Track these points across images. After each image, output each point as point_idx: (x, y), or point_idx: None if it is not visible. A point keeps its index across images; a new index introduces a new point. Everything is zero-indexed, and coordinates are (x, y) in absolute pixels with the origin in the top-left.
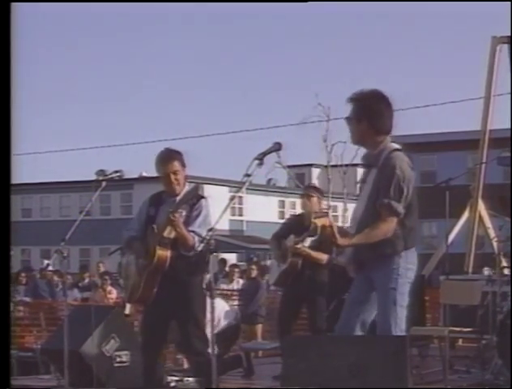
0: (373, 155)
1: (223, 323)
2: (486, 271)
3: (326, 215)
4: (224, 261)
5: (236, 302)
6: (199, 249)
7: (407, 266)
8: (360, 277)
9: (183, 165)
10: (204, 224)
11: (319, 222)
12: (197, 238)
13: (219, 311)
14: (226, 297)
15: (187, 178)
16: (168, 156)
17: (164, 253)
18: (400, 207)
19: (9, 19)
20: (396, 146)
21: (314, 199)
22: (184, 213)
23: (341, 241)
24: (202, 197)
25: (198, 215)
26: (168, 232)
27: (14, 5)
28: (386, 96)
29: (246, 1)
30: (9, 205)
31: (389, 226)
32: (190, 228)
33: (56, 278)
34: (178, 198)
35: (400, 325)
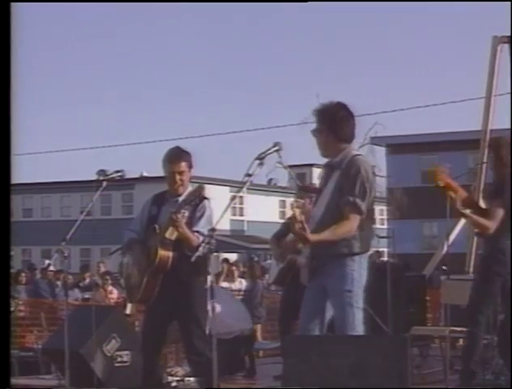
0: (336, 161)
1: (234, 328)
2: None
3: (303, 205)
4: (227, 261)
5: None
6: (204, 249)
7: (361, 271)
8: (312, 286)
9: (190, 166)
10: (208, 225)
11: (297, 211)
12: (201, 238)
13: (231, 313)
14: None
15: (191, 179)
16: (177, 156)
17: (166, 253)
18: (364, 206)
19: (9, 19)
20: (358, 152)
21: (306, 200)
22: (186, 214)
23: (311, 236)
24: (205, 198)
25: (201, 216)
26: (170, 233)
27: (14, 5)
28: (346, 105)
29: (247, 0)
30: (9, 205)
31: (352, 224)
32: (194, 229)
33: (61, 279)
34: (181, 198)
35: (358, 327)
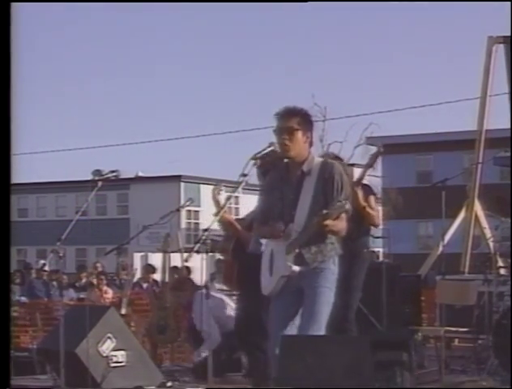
0: (306, 168)
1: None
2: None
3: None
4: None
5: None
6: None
7: (335, 269)
8: (285, 293)
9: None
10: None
11: None
12: (253, 239)
13: None
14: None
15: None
16: None
17: (226, 246)
18: (349, 206)
19: (9, 19)
20: (321, 159)
21: None
22: None
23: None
24: None
25: None
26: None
27: (14, 5)
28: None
29: (245, 0)
30: (9, 205)
31: (343, 223)
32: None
33: (56, 279)
34: None
35: (324, 319)
